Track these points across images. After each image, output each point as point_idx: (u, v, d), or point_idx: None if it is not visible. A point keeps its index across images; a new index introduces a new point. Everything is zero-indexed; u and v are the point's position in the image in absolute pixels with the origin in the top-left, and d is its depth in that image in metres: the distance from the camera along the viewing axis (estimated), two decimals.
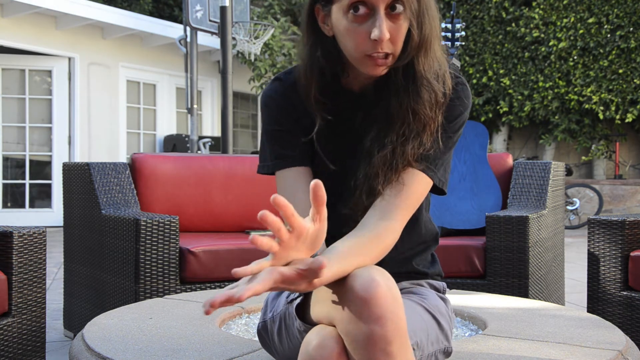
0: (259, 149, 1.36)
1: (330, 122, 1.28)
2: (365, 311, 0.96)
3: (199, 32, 8.07)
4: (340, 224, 1.21)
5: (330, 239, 1.14)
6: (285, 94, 1.30)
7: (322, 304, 1.06)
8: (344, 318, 0.99)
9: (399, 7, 1.14)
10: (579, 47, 9.86)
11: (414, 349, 1.12)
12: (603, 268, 2.42)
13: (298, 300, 1.15)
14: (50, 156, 8.92)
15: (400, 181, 1.21)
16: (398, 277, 1.37)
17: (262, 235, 0.91)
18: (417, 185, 1.22)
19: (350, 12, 1.15)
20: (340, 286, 1.01)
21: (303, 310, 1.15)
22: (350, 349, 0.99)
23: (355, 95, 1.29)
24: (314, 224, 0.96)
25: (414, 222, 1.36)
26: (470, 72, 10.72)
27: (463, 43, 10.60)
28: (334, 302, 1.02)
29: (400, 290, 1.36)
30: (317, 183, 0.92)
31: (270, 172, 1.31)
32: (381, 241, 1.15)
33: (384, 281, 0.99)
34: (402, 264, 1.37)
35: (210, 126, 11.08)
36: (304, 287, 0.96)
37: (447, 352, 1.26)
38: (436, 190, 1.28)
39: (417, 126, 1.21)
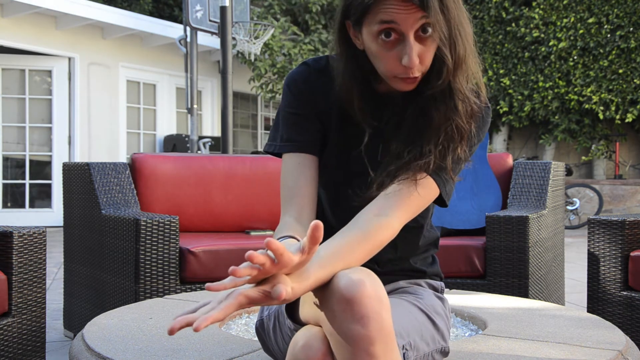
0: (271, 127, 1.37)
1: (353, 117, 1.28)
2: (349, 311, 0.96)
3: (199, 32, 8.07)
4: (351, 216, 1.21)
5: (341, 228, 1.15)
6: (310, 80, 1.31)
7: (309, 304, 1.07)
8: (328, 317, 0.99)
9: (429, 30, 1.14)
10: (579, 47, 9.86)
11: (407, 350, 1.12)
12: (603, 268, 2.42)
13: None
14: (50, 156, 8.92)
15: (411, 180, 1.20)
16: (395, 276, 1.37)
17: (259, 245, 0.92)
18: (426, 191, 1.21)
19: (380, 37, 1.15)
20: (326, 286, 1.01)
21: (294, 309, 1.15)
22: (334, 349, 1.00)
23: (381, 96, 1.29)
24: (302, 256, 0.95)
25: (418, 230, 1.37)
26: None
27: None
28: (321, 300, 1.02)
29: (397, 289, 1.37)
30: (317, 225, 0.91)
31: (277, 152, 1.32)
32: (371, 239, 1.13)
33: (369, 281, 0.99)
34: (399, 262, 1.37)
35: (210, 126, 11.07)
36: (276, 302, 0.96)
37: (445, 352, 1.26)
38: (438, 202, 1.28)
39: (456, 137, 1.21)
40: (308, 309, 1.07)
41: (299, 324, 1.12)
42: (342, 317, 0.97)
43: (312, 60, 1.34)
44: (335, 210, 1.33)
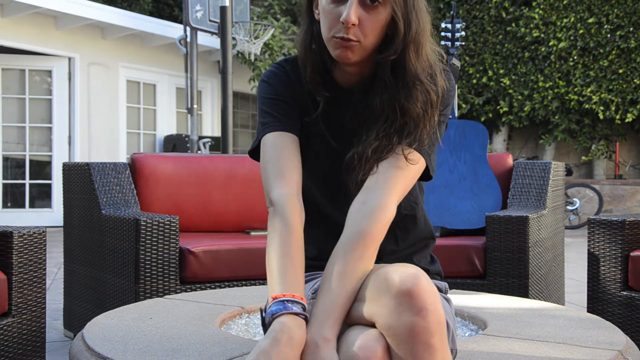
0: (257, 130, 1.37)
1: (322, 119, 1.30)
2: (407, 304, 0.98)
3: (199, 32, 8.07)
4: (345, 203, 1.22)
5: (337, 229, 1.16)
6: (286, 75, 1.34)
7: (360, 302, 1.07)
8: (384, 312, 1.00)
9: (377, 1, 1.17)
10: (579, 47, 9.86)
11: None
12: (603, 268, 2.42)
13: None
14: (50, 156, 8.92)
15: (395, 155, 1.20)
16: None
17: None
18: (411, 164, 1.22)
19: None
20: (380, 283, 1.02)
21: None
22: (393, 344, 1.00)
23: (344, 90, 1.30)
24: None
25: (412, 220, 1.37)
26: (470, 72, 10.72)
27: (463, 43, 10.56)
28: (374, 299, 1.03)
29: None
30: None
31: (264, 133, 1.30)
32: (370, 238, 1.13)
33: (423, 275, 1.01)
34: (402, 261, 1.37)
35: (210, 126, 11.07)
36: None
37: (453, 354, 1.26)
38: (424, 176, 1.28)
39: (408, 123, 1.21)
40: (357, 306, 1.08)
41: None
42: (401, 311, 0.98)
43: (284, 60, 1.36)
44: (329, 200, 1.34)
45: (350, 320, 1.10)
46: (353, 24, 1.16)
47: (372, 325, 1.04)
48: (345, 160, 1.25)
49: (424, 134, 1.22)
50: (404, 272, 1.01)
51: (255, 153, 1.33)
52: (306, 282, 1.32)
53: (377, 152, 1.21)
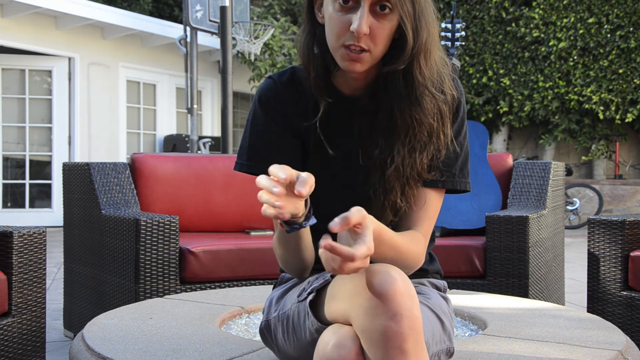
0: (242, 142, 1.32)
1: (324, 127, 1.28)
2: (381, 307, 0.97)
3: (199, 32, 8.07)
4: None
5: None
6: (278, 95, 1.30)
7: (337, 300, 1.07)
8: (360, 314, 1.00)
9: (387, 7, 1.15)
10: (579, 47, 9.86)
11: None
12: (603, 268, 2.42)
13: (311, 297, 1.15)
14: (50, 156, 8.92)
15: (419, 196, 1.25)
16: None
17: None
18: (435, 202, 1.27)
19: (338, 0, 1.16)
20: (357, 282, 1.02)
21: (315, 308, 1.15)
22: (366, 347, 1.00)
23: (348, 99, 1.28)
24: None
25: None
26: (470, 72, 10.72)
27: (463, 43, 10.56)
28: (350, 298, 1.02)
29: None
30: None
31: (255, 172, 1.29)
32: (416, 243, 1.22)
33: (401, 278, 1.00)
34: None
35: (210, 126, 11.07)
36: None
37: (450, 353, 1.26)
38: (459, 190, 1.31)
39: (423, 136, 1.21)
40: (335, 305, 1.07)
41: (324, 323, 1.11)
42: (375, 313, 0.98)
43: (277, 75, 1.33)
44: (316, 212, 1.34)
45: (328, 317, 1.09)
46: (364, 34, 1.14)
47: (349, 323, 1.04)
48: (373, 182, 1.25)
49: (439, 147, 1.22)
50: (381, 273, 1.00)
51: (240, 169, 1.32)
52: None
53: (402, 170, 1.22)
